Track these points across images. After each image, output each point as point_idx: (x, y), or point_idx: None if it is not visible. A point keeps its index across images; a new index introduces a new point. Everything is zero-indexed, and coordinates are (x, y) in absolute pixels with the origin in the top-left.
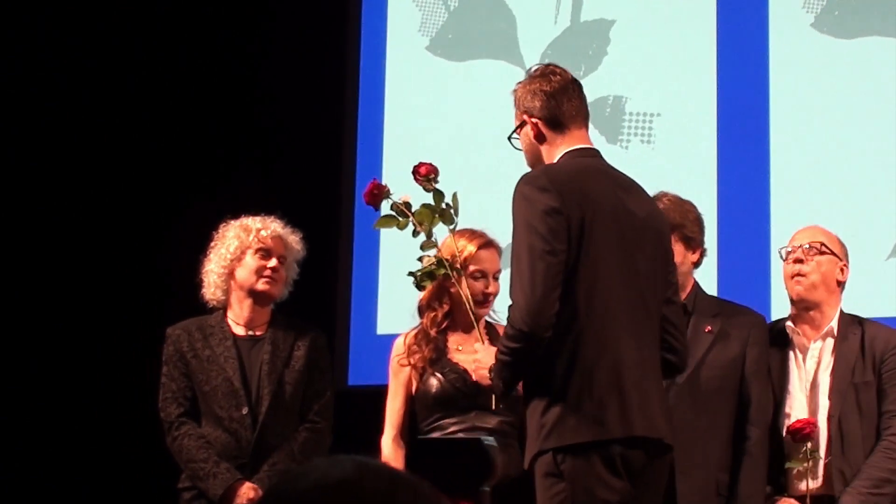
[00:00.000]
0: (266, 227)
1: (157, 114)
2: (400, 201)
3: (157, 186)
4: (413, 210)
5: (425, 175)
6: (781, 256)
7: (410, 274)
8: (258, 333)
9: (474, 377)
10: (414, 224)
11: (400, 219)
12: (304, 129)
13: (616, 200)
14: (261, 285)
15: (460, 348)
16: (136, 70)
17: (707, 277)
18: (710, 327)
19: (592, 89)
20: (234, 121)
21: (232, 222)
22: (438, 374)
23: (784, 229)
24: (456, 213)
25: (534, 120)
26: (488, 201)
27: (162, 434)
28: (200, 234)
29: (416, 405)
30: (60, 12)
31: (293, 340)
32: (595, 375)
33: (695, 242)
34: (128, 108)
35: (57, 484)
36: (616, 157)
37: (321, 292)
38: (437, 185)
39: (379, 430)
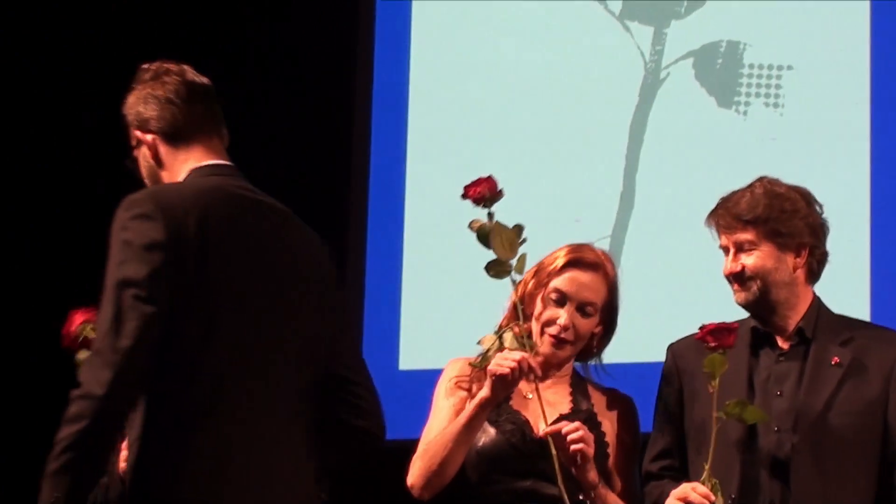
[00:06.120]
0: None
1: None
2: None
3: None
4: None
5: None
6: None
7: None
8: None
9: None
10: None
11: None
12: (308, 105)
13: (252, 231)
14: None
15: (530, 396)
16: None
17: (855, 293)
18: (837, 358)
19: (698, 33)
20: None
21: None
22: (491, 422)
23: None
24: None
25: (149, 136)
26: (535, 183)
27: None
28: None
29: None
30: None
31: None
32: (193, 464)
33: (795, 242)
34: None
35: None
36: (730, 124)
37: None
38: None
39: (404, 495)
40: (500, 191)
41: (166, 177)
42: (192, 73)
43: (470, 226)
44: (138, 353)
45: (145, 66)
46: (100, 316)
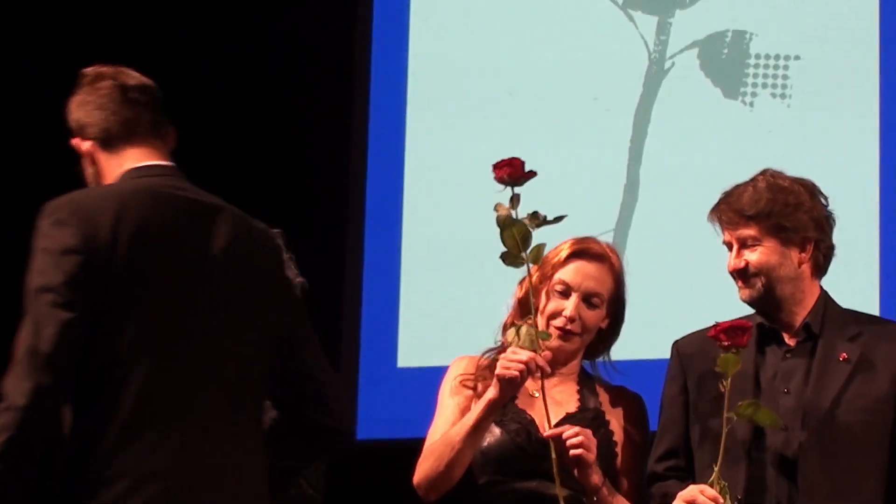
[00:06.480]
0: None
1: None
2: None
3: None
4: None
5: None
6: None
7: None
8: None
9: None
10: None
11: None
12: (306, 104)
13: (181, 231)
14: None
15: (536, 394)
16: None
17: (864, 287)
18: (845, 354)
19: (703, 22)
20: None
21: None
22: (496, 422)
23: None
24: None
25: (86, 143)
26: (537, 176)
27: None
28: None
29: None
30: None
31: None
32: (130, 473)
33: (800, 237)
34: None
35: None
36: (737, 116)
37: (321, 312)
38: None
39: (405, 493)
40: (528, 173)
41: (105, 182)
42: (126, 76)
43: (495, 208)
44: (58, 360)
45: (84, 71)
46: (22, 326)
